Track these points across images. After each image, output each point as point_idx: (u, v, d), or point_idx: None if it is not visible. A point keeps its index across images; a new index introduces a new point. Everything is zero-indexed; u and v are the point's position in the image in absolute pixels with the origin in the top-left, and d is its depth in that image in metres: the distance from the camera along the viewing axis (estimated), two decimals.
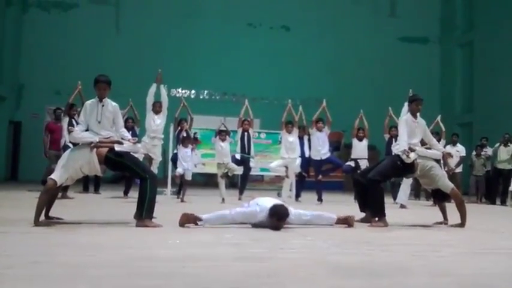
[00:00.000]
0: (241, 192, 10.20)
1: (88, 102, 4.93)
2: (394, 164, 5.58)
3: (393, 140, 9.38)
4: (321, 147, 10.00)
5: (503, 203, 11.42)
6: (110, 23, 19.07)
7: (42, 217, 4.57)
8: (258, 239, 4.07)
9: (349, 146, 12.07)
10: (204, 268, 2.83)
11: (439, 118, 10.49)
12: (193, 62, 18.66)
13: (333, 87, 18.35)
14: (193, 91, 19.40)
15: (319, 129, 10.04)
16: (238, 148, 10.30)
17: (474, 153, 12.46)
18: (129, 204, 6.83)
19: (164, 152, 10.13)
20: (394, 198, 9.79)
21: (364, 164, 9.86)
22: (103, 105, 4.84)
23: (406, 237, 4.68)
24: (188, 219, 4.68)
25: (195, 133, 10.78)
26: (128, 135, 5.08)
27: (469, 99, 19.63)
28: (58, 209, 5.09)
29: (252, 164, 10.64)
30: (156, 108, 8.96)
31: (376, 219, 5.49)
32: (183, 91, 18.96)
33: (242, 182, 10.82)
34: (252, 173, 11.40)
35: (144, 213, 4.63)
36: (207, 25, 19.06)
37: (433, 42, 21.78)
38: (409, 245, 4.11)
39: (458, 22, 20.80)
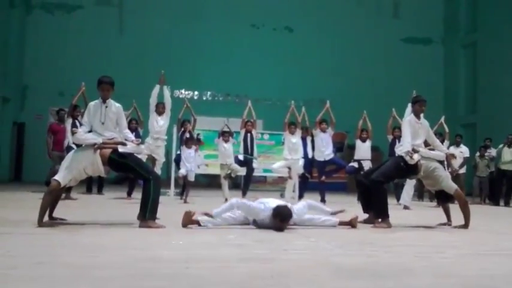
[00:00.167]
0: (244, 193, 10.18)
1: (91, 104, 4.92)
2: (397, 165, 5.57)
3: (396, 141, 9.39)
4: (324, 148, 10.00)
5: (507, 204, 11.39)
6: (114, 25, 19.12)
7: (45, 218, 4.58)
8: (262, 240, 4.07)
9: (352, 147, 12.07)
10: (207, 269, 2.83)
11: (443, 119, 10.43)
12: (196, 63, 18.68)
13: (336, 88, 18.27)
14: (196, 92, 19.43)
15: (323, 130, 10.03)
16: (241, 149, 10.29)
17: (478, 154, 12.41)
18: (132, 205, 6.85)
19: (167, 153, 10.15)
20: (398, 199, 9.78)
21: (367, 165, 9.85)
22: (106, 107, 4.84)
23: (410, 238, 4.66)
24: (190, 220, 4.68)
25: (198, 134, 10.76)
26: (131, 136, 5.10)
27: (473, 100, 19.57)
28: (61, 209, 5.11)
29: (255, 165, 10.62)
30: (160, 110, 8.97)
31: (380, 220, 5.49)
32: (186, 92, 19.00)
33: (245, 183, 10.81)
34: (255, 174, 11.38)
35: (148, 214, 4.64)
36: (210, 26, 19.07)
37: (436, 43, 21.72)
38: (413, 246, 4.10)
39: (462, 23, 20.74)
